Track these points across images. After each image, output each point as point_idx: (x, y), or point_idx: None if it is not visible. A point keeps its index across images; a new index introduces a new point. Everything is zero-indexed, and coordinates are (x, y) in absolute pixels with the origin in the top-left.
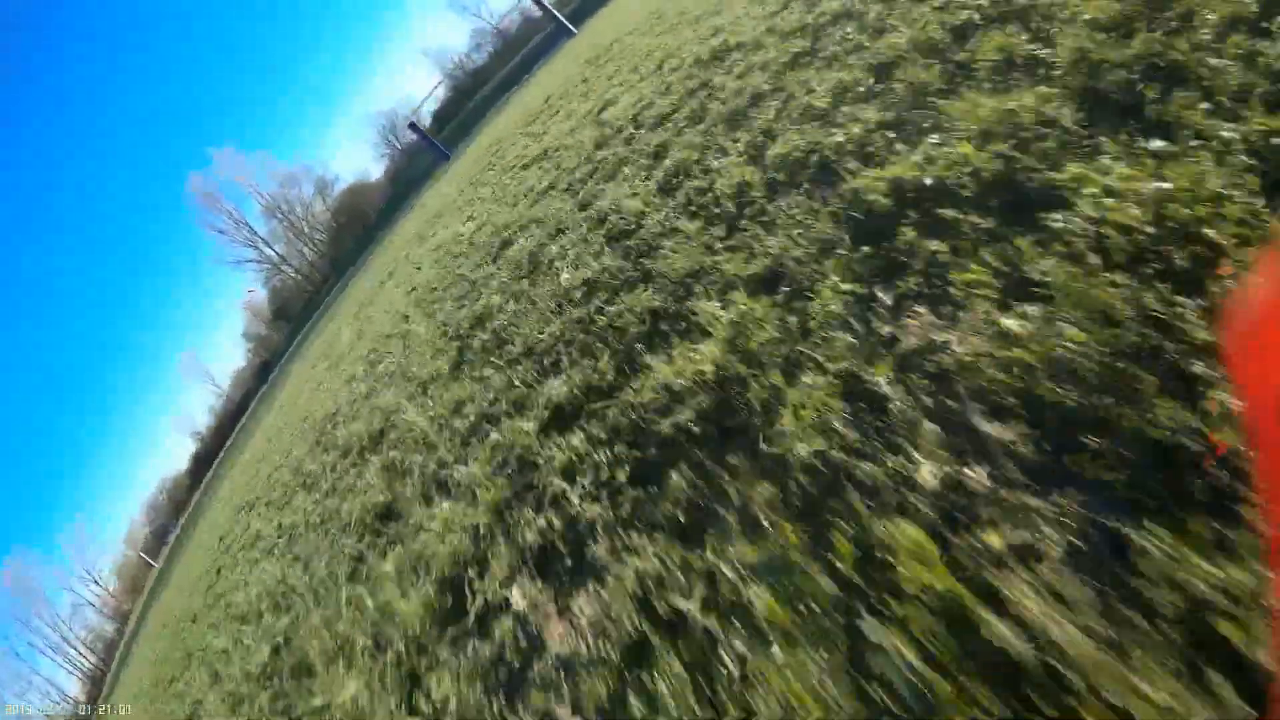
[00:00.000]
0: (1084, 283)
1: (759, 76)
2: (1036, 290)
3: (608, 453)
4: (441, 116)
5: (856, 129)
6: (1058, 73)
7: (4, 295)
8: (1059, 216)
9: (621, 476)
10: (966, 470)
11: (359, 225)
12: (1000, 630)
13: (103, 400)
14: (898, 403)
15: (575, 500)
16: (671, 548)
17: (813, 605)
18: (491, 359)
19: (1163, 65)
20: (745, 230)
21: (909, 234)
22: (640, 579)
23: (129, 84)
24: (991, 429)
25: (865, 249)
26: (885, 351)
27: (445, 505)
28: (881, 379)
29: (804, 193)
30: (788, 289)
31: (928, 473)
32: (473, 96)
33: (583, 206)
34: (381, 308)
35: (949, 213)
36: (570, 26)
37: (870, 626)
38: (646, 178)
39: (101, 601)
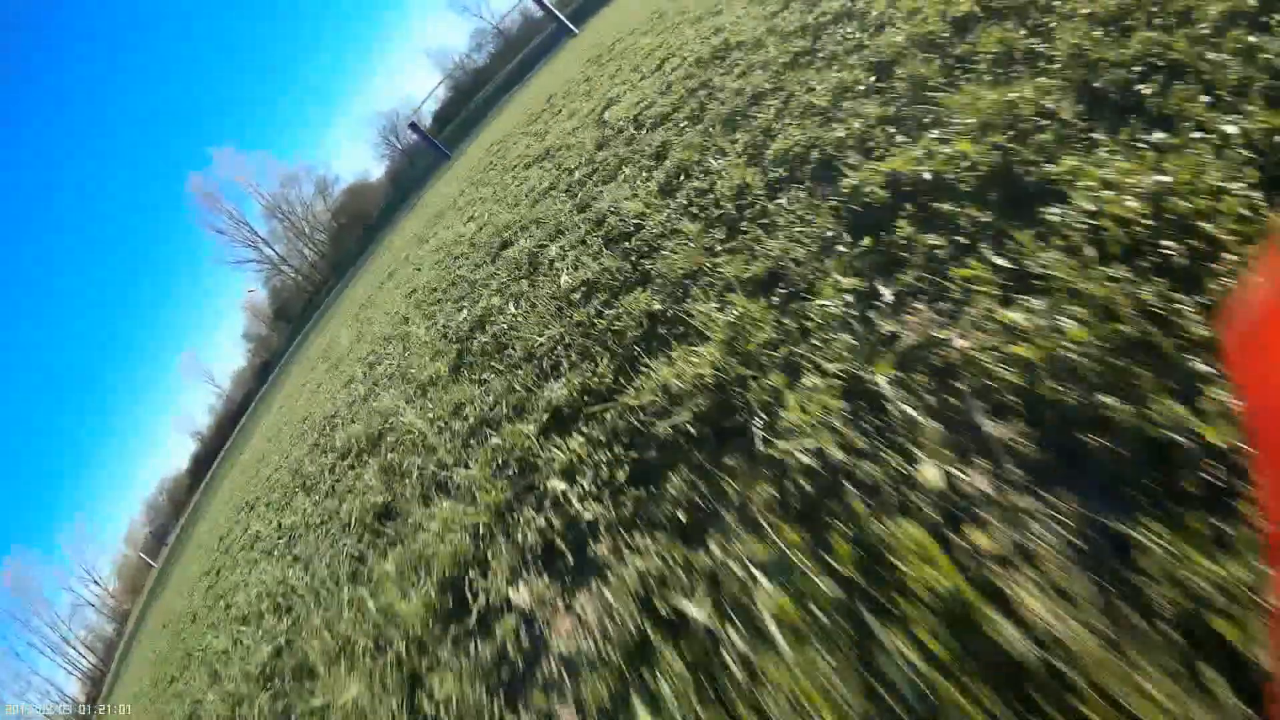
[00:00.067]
0: (1081, 275)
1: (760, 75)
2: (1036, 284)
3: (607, 454)
4: (442, 117)
5: (857, 124)
6: (1056, 65)
7: (5, 294)
8: (1057, 210)
9: (621, 477)
10: (966, 470)
11: (359, 225)
12: (1004, 629)
13: (103, 400)
14: (898, 401)
15: (575, 500)
16: (673, 546)
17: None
18: (491, 362)
19: (1162, 63)
20: (745, 232)
21: (908, 229)
22: (642, 577)
23: (130, 84)
24: (992, 427)
25: (865, 243)
26: (886, 349)
27: (445, 505)
28: (882, 377)
29: (805, 189)
30: (787, 289)
31: (929, 472)
32: (473, 97)
33: (582, 208)
34: (381, 309)
35: (947, 207)
36: (571, 26)
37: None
38: (647, 178)
39: (101, 602)
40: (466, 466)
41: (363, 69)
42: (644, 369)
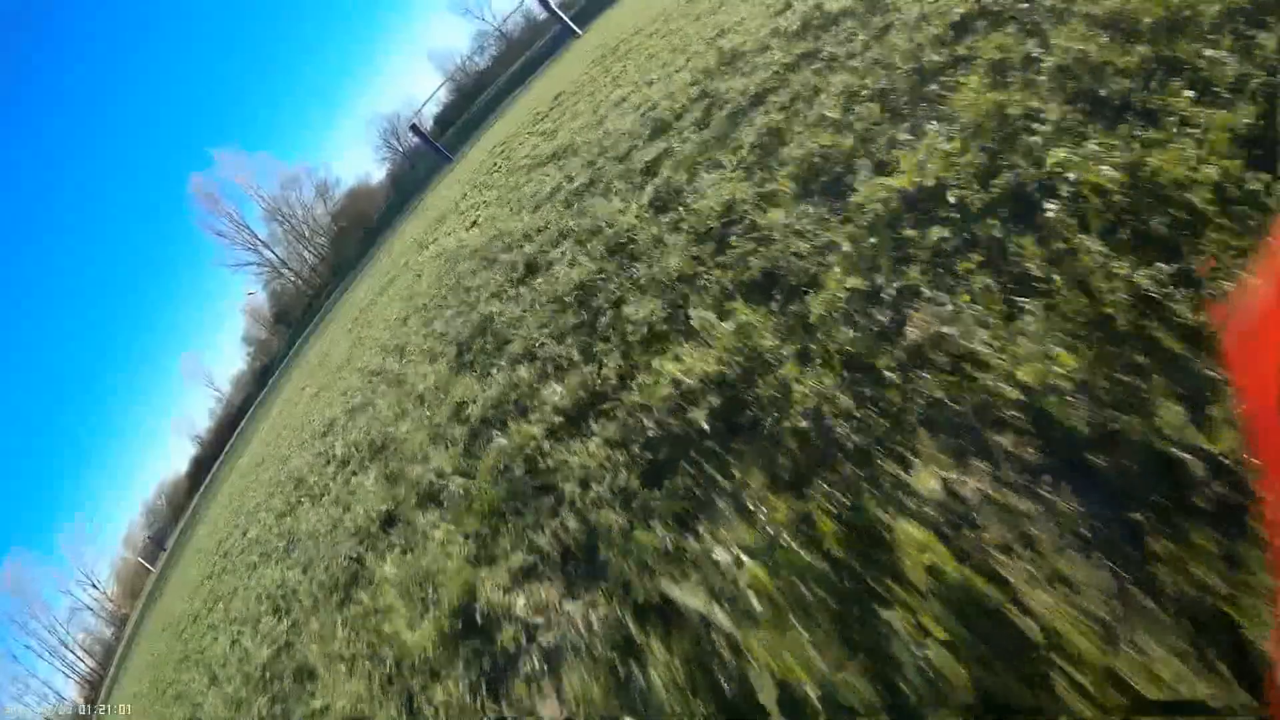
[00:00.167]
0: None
1: (763, 75)
2: (1035, 286)
3: (613, 454)
4: (444, 119)
5: (859, 125)
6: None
7: (7, 293)
8: (1052, 205)
9: (629, 475)
10: (964, 475)
11: (360, 229)
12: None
13: (104, 400)
14: (897, 401)
15: (583, 501)
16: (679, 540)
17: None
18: (491, 364)
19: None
20: (743, 237)
21: (909, 230)
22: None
23: (132, 85)
24: (992, 431)
25: (867, 243)
26: (889, 347)
27: (446, 508)
28: (885, 373)
29: (813, 198)
30: (786, 291)
31: (928, 477)
32: (475, 99)
33: (583, 213)
34: (381, 313)
35: (947, 202)
36: (575, 27)
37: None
38: (642, 185)
39: (99, 605)
40: (466, 474)
41: (365, 71)
42: (646, 367)
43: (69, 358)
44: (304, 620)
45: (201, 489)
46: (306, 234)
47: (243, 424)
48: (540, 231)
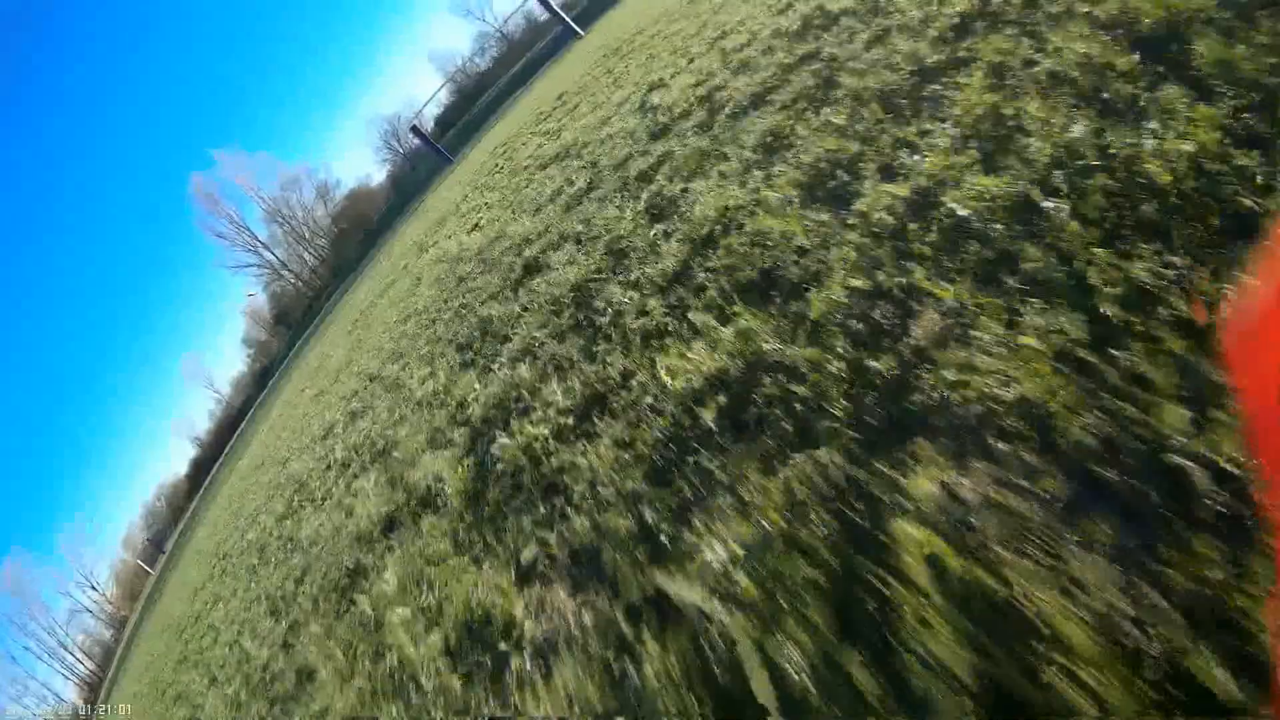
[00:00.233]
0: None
1: (766, 74)
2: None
3: (614, 454)
4: (445, 121)
5: (860, 127)
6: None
7: (8, 293)
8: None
9: (632, 475)
10: (963, 478)
11: (360, 230)
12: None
13: (105, 400)
14: (898, 400)
15: (583, 500)
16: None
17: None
18: (491, 365)
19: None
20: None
21: (913, 227)
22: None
23: (133, 85)
24: (992, 437)
25: (869, 240)
26: (891, 345)
27: (444, 511)
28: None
29: (817, 202)
30: (787, 290)
31: (926, 480)
32: (476, 101)
33: (584, 220)
34: (381, 316)
35: (944, 200)
36: (577, 28)
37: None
38: (637, 194)
39: (99, 608)
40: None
41: (366, 71)
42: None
43: (70, 358)
44: (304, 622)
45: (201, 491)
46: (307, 236)
47: (242, 426)
48: (541, 235)
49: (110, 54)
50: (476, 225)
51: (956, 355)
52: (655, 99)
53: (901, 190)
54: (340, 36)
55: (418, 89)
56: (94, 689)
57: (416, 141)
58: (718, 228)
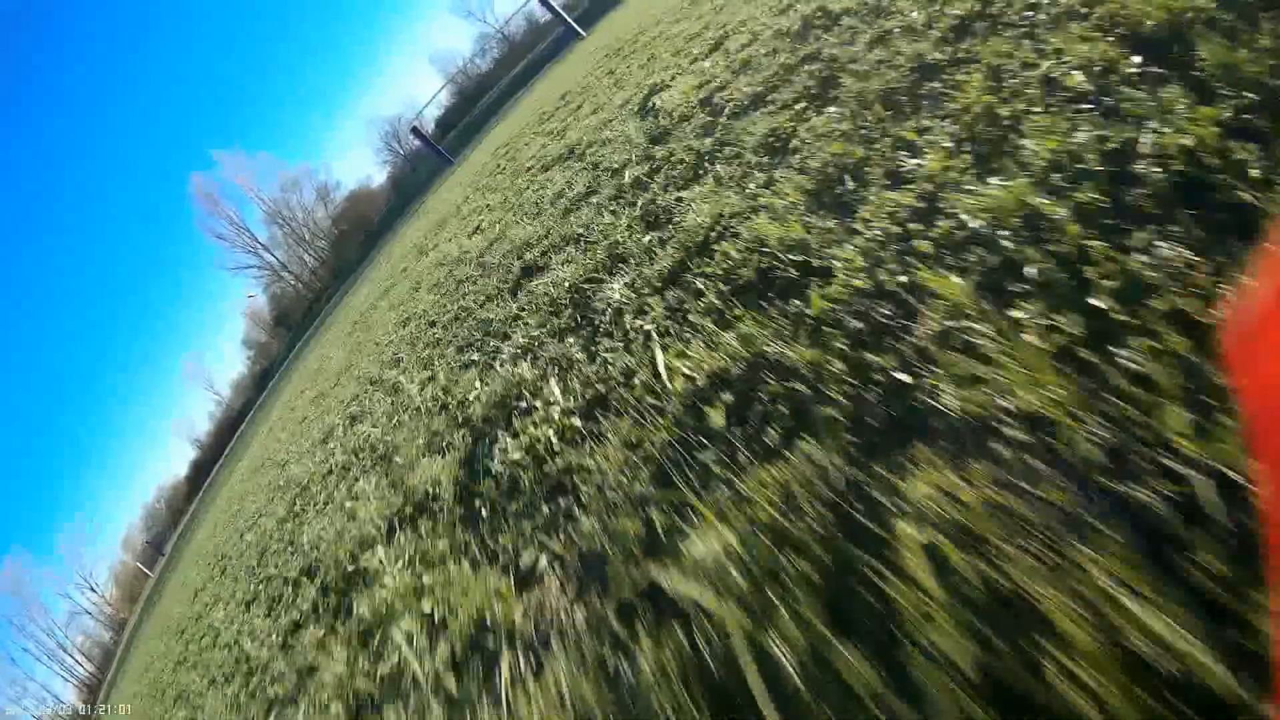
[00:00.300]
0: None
1: (768, 74)
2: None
3: (616, 455)
4: (445, 122)
5: (860, 128)
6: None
7: (8, 293)
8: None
9: (634, 476)
10: (961, 480)
11: (361, 232)
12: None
13: (105, 401)
14: (899, 400)
15: (586, 500)
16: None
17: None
18: (491, 366)
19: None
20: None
21: (914, 225)
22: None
23: (133, 86)
24: (991, 436)
25: (871, 240)
26: (893, 344)
27: (443, 514)
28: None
29: (826, 205)
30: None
31: (921, 481)
32: (477, 102)
33: (583, 219)
34: (380, 318)
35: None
36: (578, 29)
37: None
38: (633, 203)
39: (98, 609)
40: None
41: (366, 72)
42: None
43: (70, 358)
44: (304, 623)
45: (201, 492)
46: (307, 237)
47: (242, 428)
48: (542, 238)
49: (111, 54)
50: (478, 228)
51: (957, 355)
52: (657, 100)
53: (905, 199)
54: (341, 37)
55: (418, 90)
56: (93, 690)
57: (417, 143)
58: (712, 233)
